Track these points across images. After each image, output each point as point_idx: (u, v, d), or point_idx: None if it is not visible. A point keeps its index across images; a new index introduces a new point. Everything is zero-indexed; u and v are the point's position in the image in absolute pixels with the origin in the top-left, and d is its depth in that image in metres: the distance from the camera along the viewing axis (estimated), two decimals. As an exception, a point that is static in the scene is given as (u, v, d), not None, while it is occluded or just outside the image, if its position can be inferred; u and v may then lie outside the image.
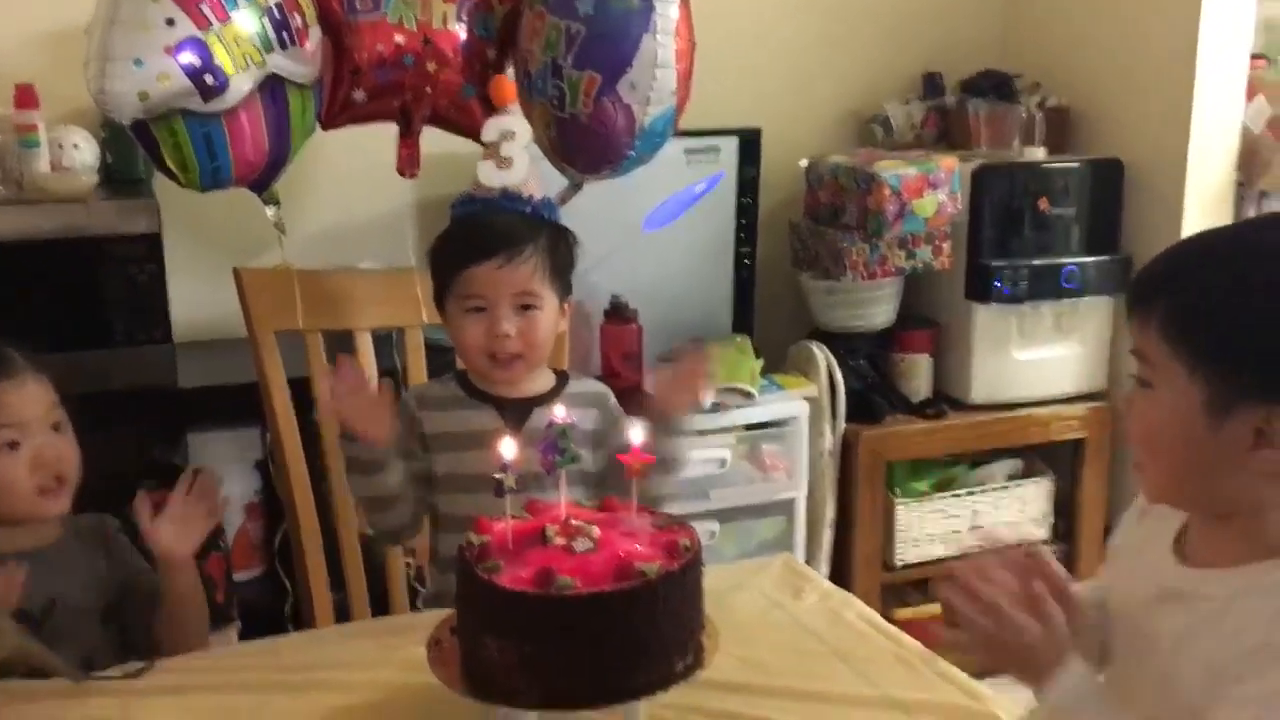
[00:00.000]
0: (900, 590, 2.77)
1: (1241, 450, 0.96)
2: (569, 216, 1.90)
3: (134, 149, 2.18)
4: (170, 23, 1.56)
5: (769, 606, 1.47)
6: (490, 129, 1.56)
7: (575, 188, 1.94)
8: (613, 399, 1.65)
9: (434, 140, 1.99)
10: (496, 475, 1.14)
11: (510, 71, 1.91)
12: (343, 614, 1.81)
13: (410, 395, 1.64)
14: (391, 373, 1.90)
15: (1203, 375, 0.96)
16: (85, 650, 1.46)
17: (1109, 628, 1.12)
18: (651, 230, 2.58)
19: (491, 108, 1.94)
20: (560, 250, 1.57)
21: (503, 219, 1.53)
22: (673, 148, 2.03)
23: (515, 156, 1.54)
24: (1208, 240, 1.06)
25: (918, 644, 1.37)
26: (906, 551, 2.73)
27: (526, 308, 1.53)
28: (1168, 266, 1.03)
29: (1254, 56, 2.72)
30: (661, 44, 1.76)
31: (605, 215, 2.33)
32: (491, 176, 1.54)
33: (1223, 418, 0.96)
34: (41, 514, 1.49)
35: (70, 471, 1.52)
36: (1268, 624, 0.95)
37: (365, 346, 1.84)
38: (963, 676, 1.29)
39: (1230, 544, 1.01)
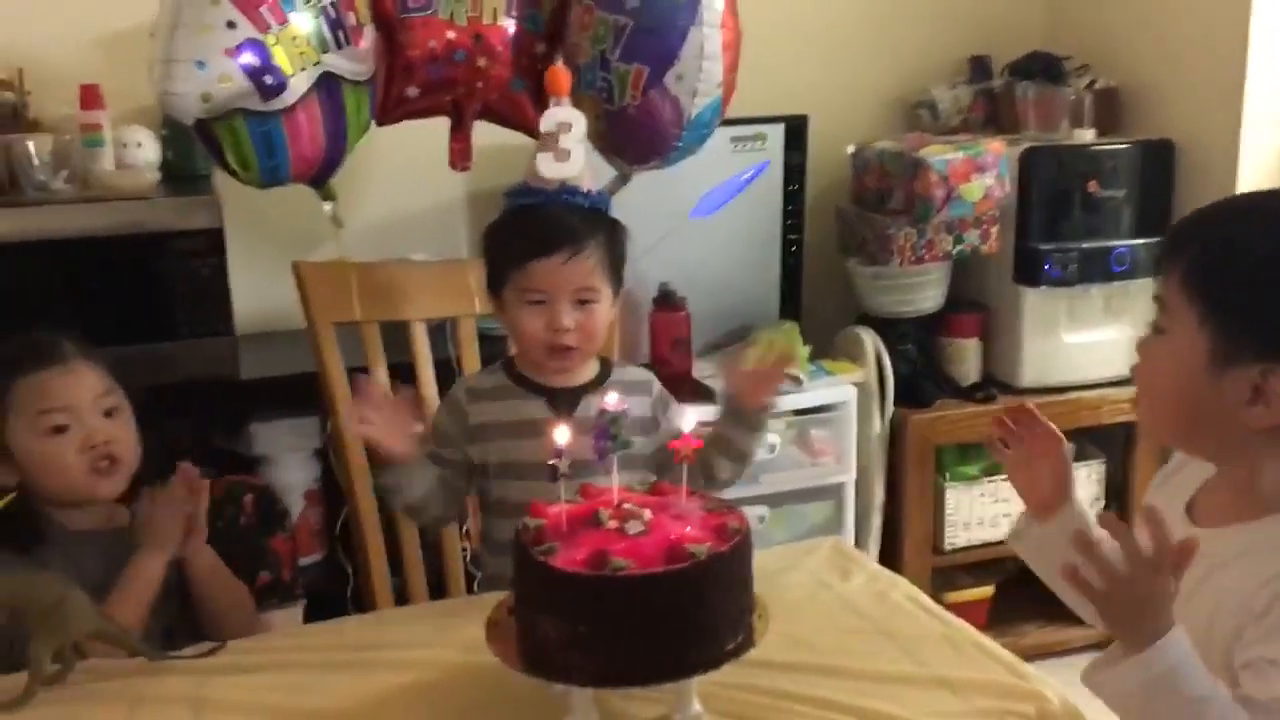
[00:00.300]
0: (950, 574, 2.78)
1: (1238, 405, 1.00)
2: (618, 206, 1.94)
3: (194, 146, 2.24)
4: (231, 25, 1.61)
5: (818, 588, 1.49)
6: (548, 120, 1.55)
7: (624, 179, 1.98)
8: (658, 384, 1.68)
9: (484, 133, 2.03)
10: (551, 461, 1.18)
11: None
12: (401, 597, 1.86)
13: (459, 387, 1.68)
14: (445, 362, 1.95)
15: (1211, 326, 1.00)
16: (164, 625, 1.53)
17: None
18: (699, 218, 2.60)
19: (543, 100, 1.98)
20: (616, 245, 1.59)
21: (564, 213, 1.54)
22: (719, 136, 2.05)
23: (573, 149, 1.54)
24: (1244, 200, 1.12)
25: (965, 624, 1.39)
26: (956, 535, 2.74)
27: (585, 302, 1.55)
28: (1201, 219, 1.07)
29: (1308, 33, 2.69)
30: (708, 36, 1.79)
31: (653, 204, 2.36)
32: (550, 168, 1.54)
33: (1223, 371, 1.00)
34: (94, 493, 1.54)
35: (125, 453, 1.55)
36: (1264, 583, 0.98)
37: (420, 336, 1.88)
38: (1009, 656, 1.31)
39: (1231, 503, 1.05)
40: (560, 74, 1.64)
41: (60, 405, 1.51)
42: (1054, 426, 1.28)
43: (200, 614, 1.59)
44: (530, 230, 1.55)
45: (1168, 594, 0.98)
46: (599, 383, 1.62)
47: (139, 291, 2.12)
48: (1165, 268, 1.05)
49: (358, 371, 1.83)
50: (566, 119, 1.54)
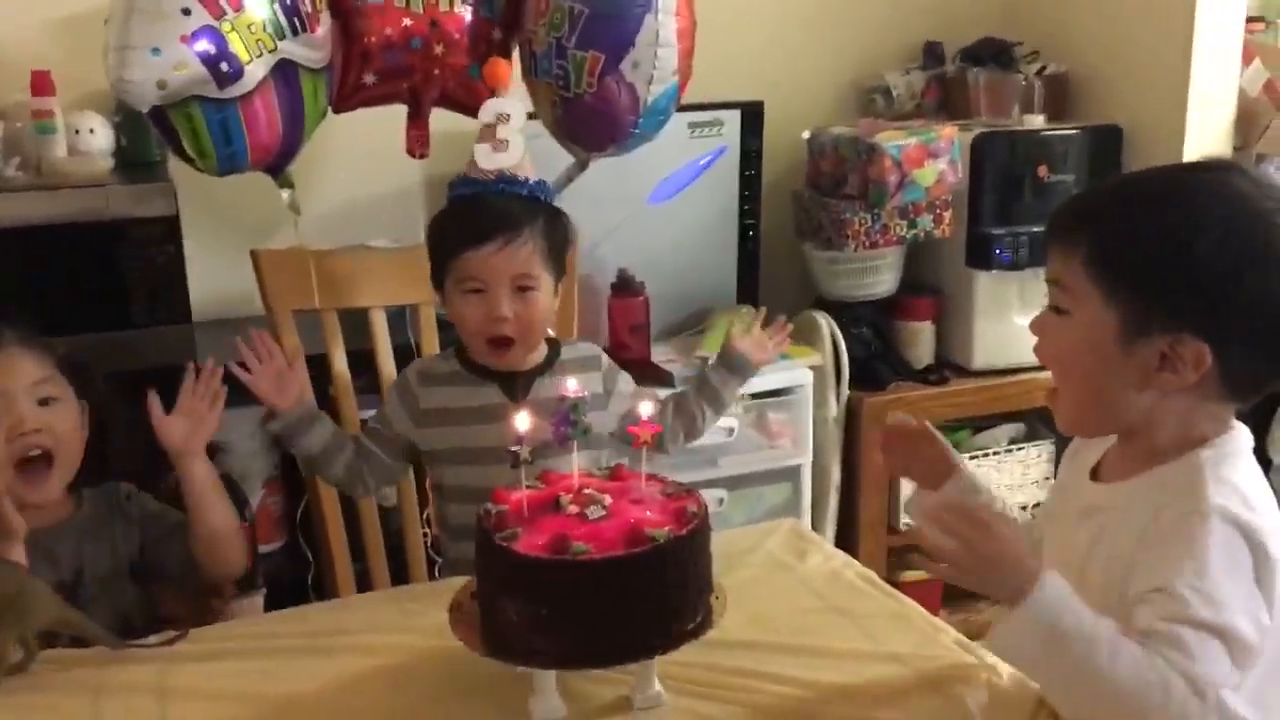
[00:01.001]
0: (905, 553, 2.82)
1: (1148, 371, 1.06)
2: (575, 192, 1.96)
3: (148, 132, 2.22)
4: (186, 12, 1.61)
5: (775, 568, 1.52)
6: (486, 111, 1.57)
7: (582, 165, 1.99)
8: (605, 358, 1.70)
9: (441, 119, 2.03)
10: (512, 448, 1.20)
11: (515, 54, 1.96)
12: (363, 584, 1.87)
13: (411, 370, 1.69)
14: (405, 348, 1.96)
15: (1119, 303, 1.05)
16: (120, 610, 1.53)
17: (1043, 553, 1.21)
18: (657, 203, 2.62)
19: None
20: (556, 232, 1.60)
21: (500, 202, 1.55)
22: (676, 122, 2.07)
23: (511, 139, 1.55)
24: (1134, 179, 1.16)
25: (915, 603, 1.43)
26: (912, 516, 2.78)
27: (524, 289, 1.56)
28: (1097, 202, 1.12)
29: (1250, 19, 2.75)
30: (663, 23, 1.81)
31: (611, 190, 2.38)
32: (488, 159, 1.55)
33: (1133, 342, 1.05)
34: (23, 495, 1.48)
35: (59, 447, 1.52)
36: (1152, 519, 1.05)
37: (379, 323, 1.89)
38: (958, 634, 1.34)
39: (1130, 460, 1.11)
40: (501, 65, 1.65)
41: None
42: (913, 420, 1.38)
43: (198, 535, 1.56)
44: (465, 220, 1.57)
45: (1012, 547, 1.02)
46: (549, 364, 1.65)
47: (94, 279, 2.10)
48: (1060, 250, 1.10)
49: (315, 359, 1.84)
50: (505, 109, 1.56)
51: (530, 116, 1.75)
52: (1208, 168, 1.10)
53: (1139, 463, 1.11)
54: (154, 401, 1.55)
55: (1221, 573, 1.00)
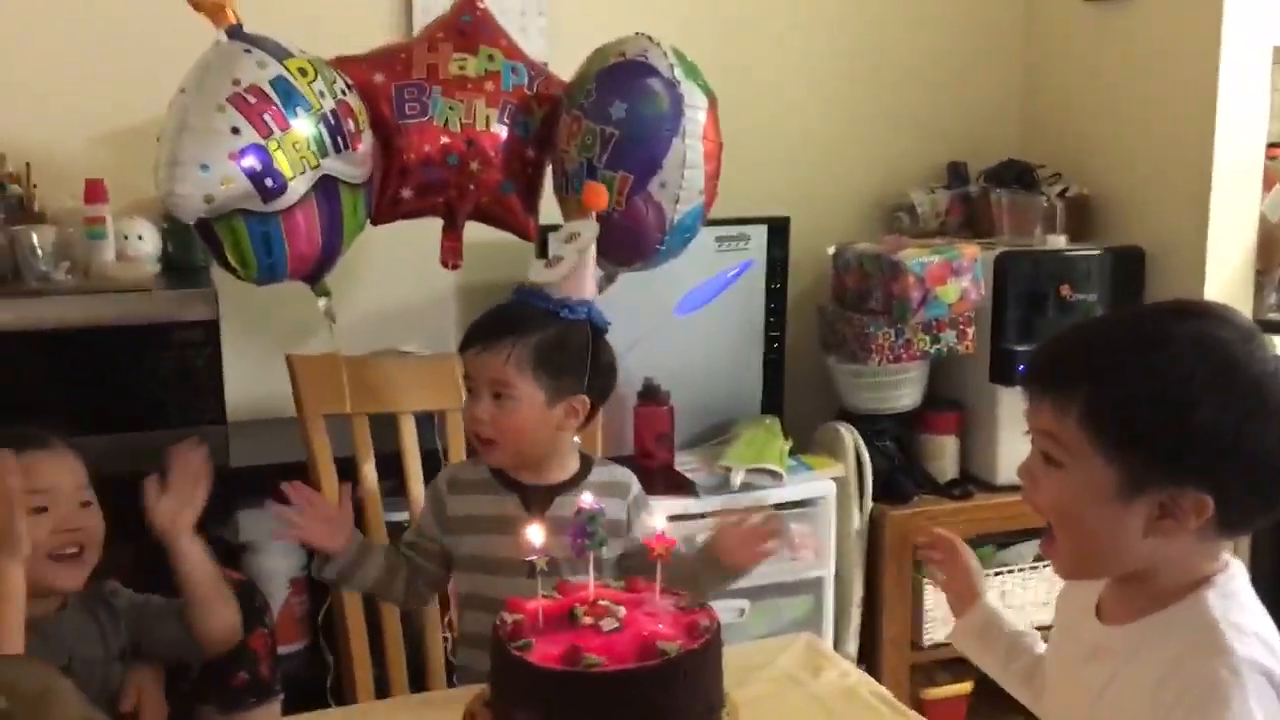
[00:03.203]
0: (929, 670, 2.80)
1: (1150, 521, 1.07)
2: (602, 301, 2.00)
3: (194, 239, 2.31)
4: (235, 131, 1.69)
5: (788, 684, 1.52)
6: (565, 229, 1.66)
7: (609, 279, 2.04)
8: (636, 487, 1.69)
9: (476, 230, 2.10)
10: (528, 559, 1.22)
11: (549, 171, 2.03)
12: (382, 688, 1.88)
13: (442, 477, 1.73)
14: (433, 454, 2.00)
15: (1119, 461, 1.06)
16: (109, 694, 1.57)
17: (1049, 686, 1.26)
18: (683, 315, 2.67)
19: (533, 203, 2.06)
20: (560, 348, 1.59)
21: (504, 310, 1.63)
22: (704, 235, 2.12)
23: (566, 256, 1.60)
24: (1120, 329, 1.14)
25: (929, 722, 1.43)
26: (935, 631, 2.76)
27: (498, 396, 1.59)
28: (1084, 357, 1.11)
29: (1271, 145, 2.80)
30: (690, 146, 1.87)
31: (638, 301, 2.42)
32: (537, 274, 1.63)
33: (1134, 497, 1.06)
34: (52, 583, 1.55)
35: (91, 544, 1.59)
36: (1165, 671, 1.05)
37: (408, 428, 1.93)
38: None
39: (1134, 601, 1.12)
40: (597, 190, 1.70)
41: (44, 487, 1.55)
42: (957, 540, 1.49)
43: (194, 614, 1.60)
44: (472, 324, 1.64)
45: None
46: (575, 481, 1.66)
47: (135, 380, 2.16)
48: (1052, 405, 1.09)
49: (344, 461, 1.88)
50: (577, 230, 1.62)
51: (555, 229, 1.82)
52: (1192, 314, 1.10)
53: (1142, 602, 1.11)
54: (151, 484, 1.60)
55: None
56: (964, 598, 1.44)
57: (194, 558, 1.61)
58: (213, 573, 1.64)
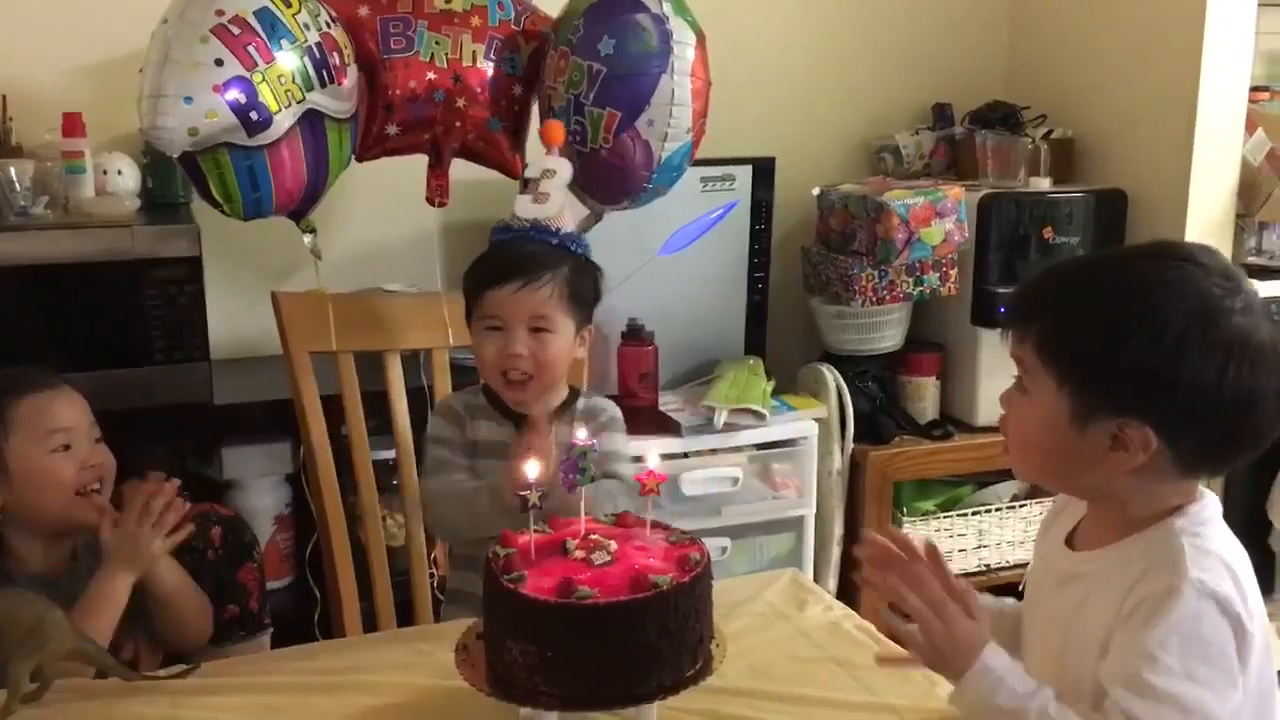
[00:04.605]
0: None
1: (1101, 451, 1.10)
2: (590, 242, 2.01)
3: (174, 174, 2.29)
4: (219, 63, 1.66)
5: (775, 617, 1.55)
6: (533, 166, 1.68)
7: (596, 217, 2.04)
8: (608, 413, 1.74)
9: (460, 168, 2.09)
10: (522, 493, 1.23)
11: (535, 107, 2.01)
12: (370, 622, 1.89)
13: (456, 400, 1.76)
14: (419, 391, 2.00)
15: (1069, 389, 1.10)
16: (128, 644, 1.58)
17: (1025, 620, 1.27)
18: (668, 255, 2.67)
19: (520, 140, 2.05)
20: (581, 281, 1.67)
21: (528, 248, 1.65)
22: (689, 176, 2.11)
23: (552, 193, 1.66)
24: (1083, 267, 1.20)
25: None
26: (913, 569, 2.80)
27: (539, 330, 1.64)
28: (1045, 289, 1.16)
29: (1254, 89, 2.81)
30: (678, 83, 1.86)
31: (623, 240, 2.42)
32: (527, 209, 1.66)
33: (1084, 425, 1.09)
34: (82, 518, 1.59)
35: (109, 478, 1.65)
36: (1130, 587, 1.09)
37: (394, 366, 1.93)
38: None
39: (1104, 528, 1.16)
40: (556, 127, 1.75)
41: (65, 426, 1.60)
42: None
43: (159, 622, 1.63)
44: (491, 262, 1.66)
45: (964, 638, 1.12)
46: (563, 410, 1.70)
47: (117, 317, 2.14)
48: (1016, 333, 1.14)
49: (330, 399, 1.88)
50: (553, 166, 1.66)
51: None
52: (1157, 253, 1.12)
53: (1114, 530, 1.15)
54: (106, 520, 1.58)
55: (1187, 644, 1.04)
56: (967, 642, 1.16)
57: (165, 582, 1.62)
58: (183, 587, 1.65)
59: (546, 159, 1.68)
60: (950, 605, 1.14)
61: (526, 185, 1.66)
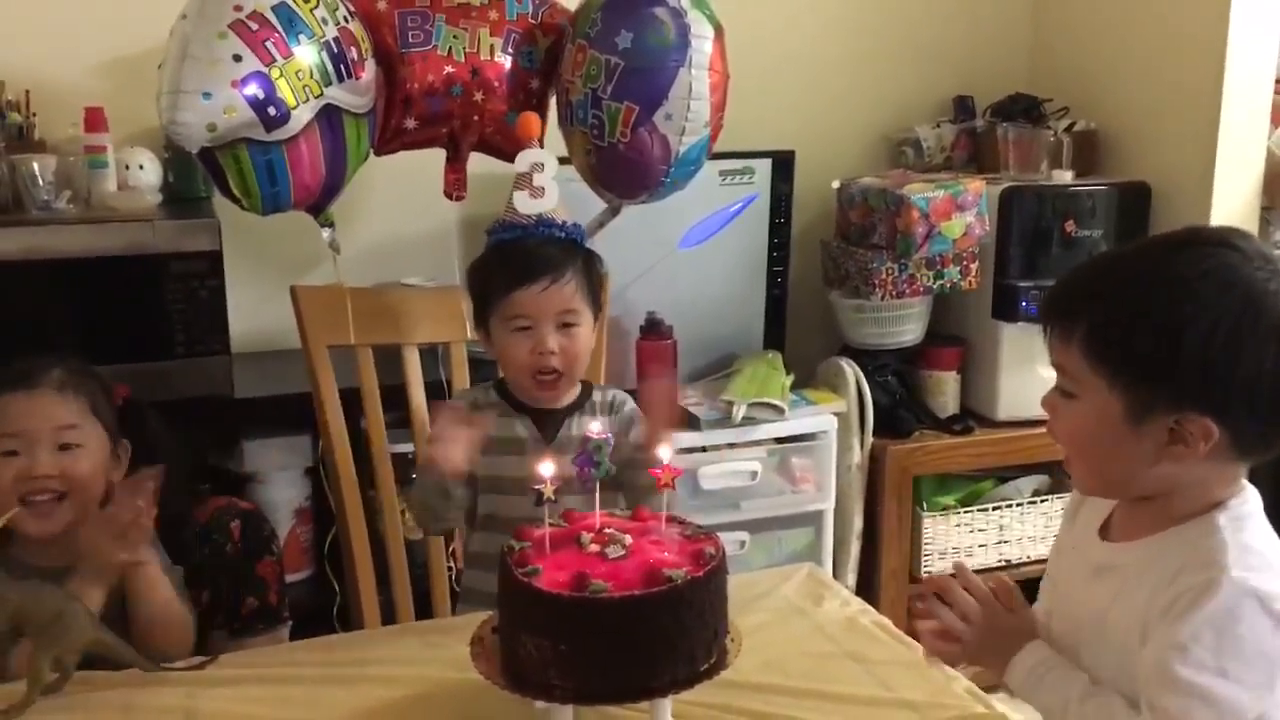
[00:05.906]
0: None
1: (1159, 445, 1.08)
2: (607, 235, 2.00)
3: (195, 169, 2.30)
4: (237, 59, 1.66)
5: (791, 612, 1.55)
6: (521, 161, 1.68)
7: (614, 211, 2.03)
8: (629, 405, 1.75)
9: (477, 161, 2.09)
10: (536, 486, 1.23)
11: (552, 101, 2.01)
12: (388, 614, 1.90)
13: (464, 399, 1.76)
14: (437, 385, 2.01)
15: (1121, 389, 1.08)
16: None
17: (1050, 610, 1.25)
18: (687, 248, 2.66)
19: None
20: (592, 271, 1.70)
21: (543, 245, 1.65)
22: (708, 169, 2.09)
23: (547, 186, 1.67)
24: (1122, 261, 1.16)
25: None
26: (933, 564, 2.79)
27: (567, 325, 1.65)
28: (1083, 288, 1.14)
29: (1279, 82, 2.77)
30: (696, 77, 1.85)
31: (642, 234, 2.42)
32: (527, 205, 1.67)
33: (1141, 422, 1.08)
34: (25, 528, 1.50)
35: (75, 490, 1.52)
36: (1170, 580, 1.07)
37: (412, 360, 1.94)
38: (971, 684, 1.36)
39: (1145, 520, 1.14)
40: (533, 119, 1.76)
41: (13, 430, 1.51)
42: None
43: (134, 629, 1.52)
44: (513, 262, 1.65)
45: (1023, 626, 1.19)
46: (580, 404, 1.71)
47: (138, 311, 2.16)
48: (1059, 336, 1.12)
49: (349, 392, 1.89)
50: (539, 159, 1.67)
51: (563, 162, 1.82)
52: (1193, 242, 1.10)
53: (1153, 521, 1.13)
54: (93, 520, 1.51)
55: (1221, 639, 1.03)
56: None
57: (144, 595, 1.53)
58: (166, 601, 1.55)
59: (530, 152, 1.68)
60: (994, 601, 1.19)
61: (519, 181, 1.67)
